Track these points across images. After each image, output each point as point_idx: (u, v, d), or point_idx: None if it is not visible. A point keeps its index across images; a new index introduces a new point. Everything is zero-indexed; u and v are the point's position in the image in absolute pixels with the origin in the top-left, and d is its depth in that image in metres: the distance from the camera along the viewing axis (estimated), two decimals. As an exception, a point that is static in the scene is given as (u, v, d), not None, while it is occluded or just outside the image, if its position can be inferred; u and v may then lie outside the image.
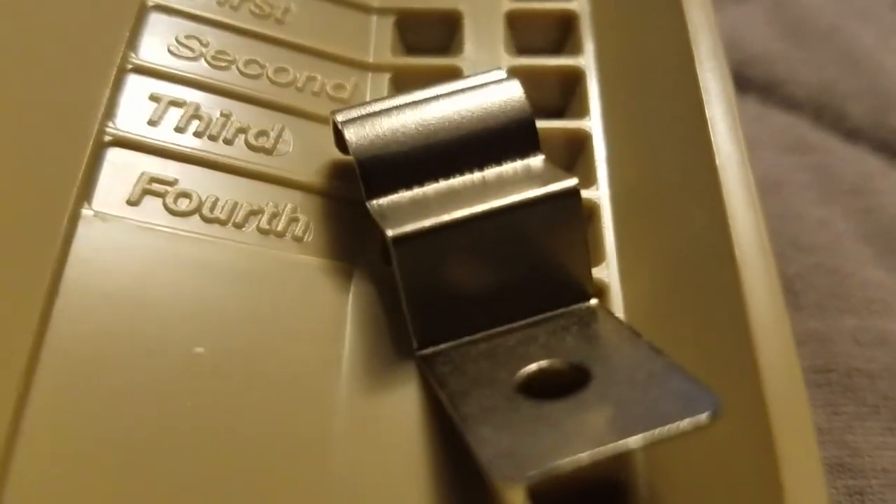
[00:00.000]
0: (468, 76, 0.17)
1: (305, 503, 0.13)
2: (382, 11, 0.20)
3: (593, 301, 0.15)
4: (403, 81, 0.19)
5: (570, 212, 0.15)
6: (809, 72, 0.25)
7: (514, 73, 0.18)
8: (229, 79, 0.18)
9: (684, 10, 0.18)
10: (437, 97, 0.16)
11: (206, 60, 0.18)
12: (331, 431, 0.14)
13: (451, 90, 0.16)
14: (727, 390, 0.13)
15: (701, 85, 0.16)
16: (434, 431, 0.14)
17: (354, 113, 0.16)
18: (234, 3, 0.19)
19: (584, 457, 0.12)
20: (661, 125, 0.18)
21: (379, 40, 0.20)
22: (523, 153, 0.16)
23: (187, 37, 0.18)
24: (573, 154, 0.18)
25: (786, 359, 0.13)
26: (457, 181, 0.16)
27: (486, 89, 0.16)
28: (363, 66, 0.19)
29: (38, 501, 0.12)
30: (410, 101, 0.16)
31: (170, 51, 0.18)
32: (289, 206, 0.16)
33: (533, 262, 0.15)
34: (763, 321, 0.13)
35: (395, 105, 0.16)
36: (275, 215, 0.16)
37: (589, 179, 0.18)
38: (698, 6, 0.18)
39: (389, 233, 0.14)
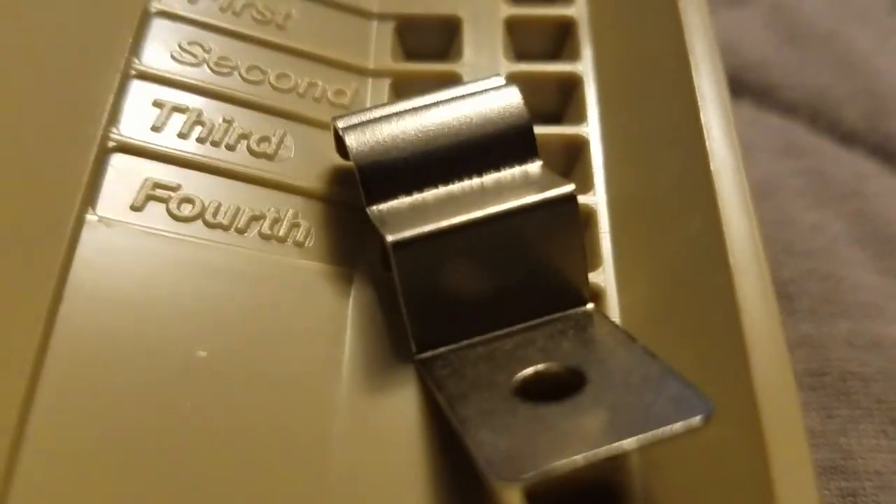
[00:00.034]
0: (467, 82, 0.17)
1: (307, 502, 0.13)
2: (382, 17, 0.20)
3: (590, 305, 0.15)
4: (403, 87, 0.19)
5: (567, 217, 0.15)
6: (805, 76, 0.25)
7: (512, 78, 0.18)
8: (231, 85, 0.18)
9: (680, 17, 0.18)
10: (436, 103, 0.16)
11: (208, 66, 0.18)
12: (331, 433, 0.14)
13: (450, 97, 0.16)
14: (720, 394, 0.13)
15: (696, 91, 0.17)
16: (433, 434, 0.14)
17: (355, 119, 0.16)
18: (237, 9, 0.19)
19: (579, 459, 0.12)
20: (658, 131, 0.18)
21: (379, 46, 0.20)
22: (521, 159, 0.16)
23: (190, 43, 0.18)
24: (571, 159, 0.19)
25: (778, 363, 0.13)
26: (456, 187, 0.16)
27: (485, 96, 0.16)
28: (363, 72, 0.19)
29: (43, 502, 0.12)
30: (410, 107, 0.16)
31: (173, 57, 0.18)
32: (290, 211, 0.16)
33: (530, 266, 0.15)
34: (756, 326, 0.14)
35: (395, 111, 0.16)
36: (276, 221, 0.16)
37: (586, 185, 0.18)
38: (694, 12, 0.18)
39: (389, 238, 0.14)
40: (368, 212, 0.15)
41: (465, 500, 0.13)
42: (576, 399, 0.13)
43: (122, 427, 0.13)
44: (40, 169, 0.15)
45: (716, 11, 0.25)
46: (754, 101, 0.25)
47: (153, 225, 0.15)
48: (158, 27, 0.18)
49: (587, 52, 0.20)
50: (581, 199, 0.16)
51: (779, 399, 0.13)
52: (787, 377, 0.13)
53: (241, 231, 0.16)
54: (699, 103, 0.16)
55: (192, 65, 0.18)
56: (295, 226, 0.16)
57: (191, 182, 0.16)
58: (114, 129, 0.16)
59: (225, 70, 0.18)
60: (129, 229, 0.15)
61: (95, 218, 0.15)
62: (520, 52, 0.20)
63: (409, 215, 0.15)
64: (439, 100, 0.16)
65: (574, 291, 0.15)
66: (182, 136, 0.17)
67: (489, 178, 0.16)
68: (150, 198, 0.16)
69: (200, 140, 0.17)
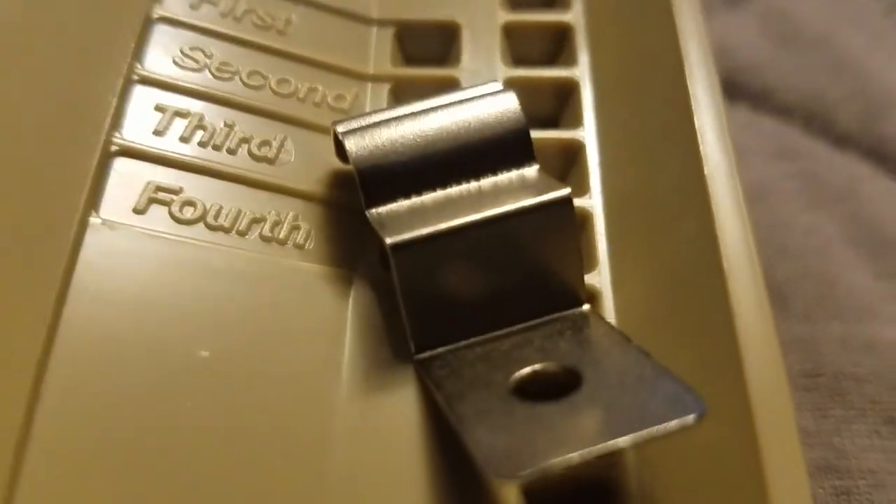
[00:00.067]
0: (465, 87, 0.17)
1: (305, 499, 0.13)
2: (382, 23, 0.20)
3: (586, 306, 0.16)
4: (402, 91, 0.19)
5: (563, 220, 0.15)
6: (800, 79, 0.25)
7: (509, 83, 0.18)
8: (233, 89, 0.18)
9: (675, 23, 0.18)
10: (434, 108, 0.16)
11: (210, 71, 0.18)
12: (331, 432, 0.14)
13: (448, 102, 0.16)
14: (714, 394, 0.13)
15: (691, 96, 0.17)
16: (432, 433, 0.14)
17: (355, 124, 0.16)
18: (237, 14, 0.19)
19: (575, 456, 0.12)
20: (653, 135, 0.18)
21: (378, 51, 0.20)
22: (518, 163, 0.16)
23: (192, 48, 0.18)
24: (567, 163, 0.19)
25: (771, 363, 0.13)
26: (453, 190, 0.16)
27: (483, 101, 0.16)
28: (363, 77, 0.19)
29: (48, 500, 0.13)
30: (409, 112, 0.16)
31: (175, 62, 0.18)
32: (290, 214, 0.16)
33: (527, 268, 0.15)
34: (749, 327, 0.14)
35: (394, 116, 0.16)
36: (277, 223, 0.16)
37: (582, 188, 0.18)
38: (689, 18, 0.18)
39: (388, 240, 0.15)
40: (368, 215, 0.16)
41: (463, 498, 0.14)
42: (572, 398, 0.13)
43: (124, 427, 0.13)
44: (44, 172, 0.15)
45: (711, 16, 0.25)
46: (749, 104, 0.25)
47: (155, 227, 0.15)
48: (160, 33, 0.18)
49: (583, 57, 0.20)
50: (577, 202, 0.17)
51: (772, 399, 0.13)
52: (780, 378, 0.13)
53: (242, 233, 0.16)
54: (693, 108, 0.17)
55: (193, 70, 0.18)
56: (295, 228, 0.16)
57: (192, 185, 0.16)
58: (116, 134, 0.16)
59: (226, 75, 0.18)
60: (132, 232, 0.15)
61: (99, 221, 0.15)
62: (517, 57, 0.20)
63: (408, 218, 0.15)
64: (438, 104, 0.16)
65: (570, 293, 0.15)
66: (184, 140, 0.17)
67: (487, 181, 0.16)
68: (152, 201, 0.16)
69: (202, 144, 0.17)
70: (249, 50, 0.19)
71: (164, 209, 0.16)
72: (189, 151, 0.17)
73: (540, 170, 0.16)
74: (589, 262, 0.17)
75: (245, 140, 0.17)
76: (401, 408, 0.14)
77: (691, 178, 0.16)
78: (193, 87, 0.18)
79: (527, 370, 0.14)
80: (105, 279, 0.15)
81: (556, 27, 0.21)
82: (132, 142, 0.16)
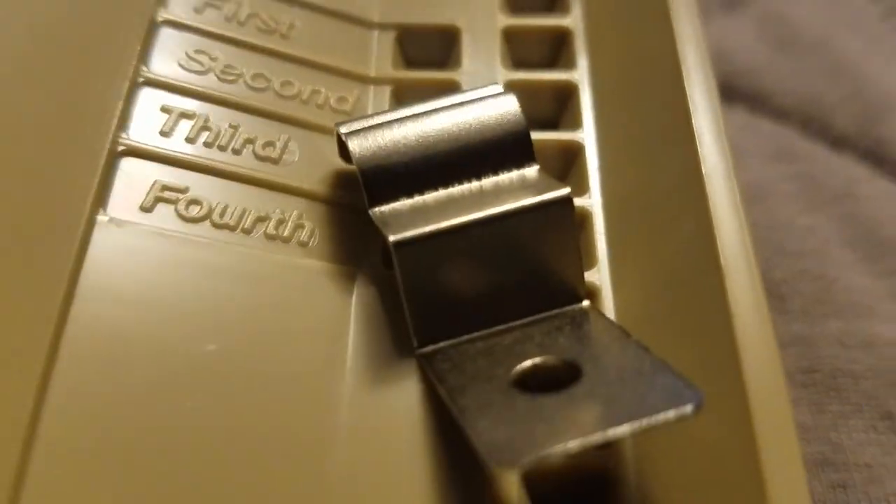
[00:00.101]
0: (466, 90, 0.17)
1: (310, 492, 0.13)
2: (383, 27, 0.20)
3: (585, 303, 0.16)
4: (404, 94, 0.19)
5: (562, 219, 0.15)
6: (797, 82, 0.25)
7: (510, 86, 0.18)
8: (237, 92, 0.18)
9: (673, 27, 0.18)
10: (436, 110, 0.17)
11: (214, 74, 0.18)
12: (336, 425, 0.14)
13: (449, 103, 0.17)
14: (712, 388, 0.13)
15: (688, 98, 0.17)
16: (434, 425, 0.14)
17: (357, 125, 0.16)
18: (241, 18, 0.19)
19: (573, 444, 0.12)
20: (651, 137, 0.18)
21: (380, 55, 0.20)
22: (519, 163, 0.16)
23: (196, 51, 0.18)
24: (567, 164, 0.19)
25: (768, 359, 0.14)
26: (455, 190, 0.16)
27: (484, 103, 0.17)
28: (365, 80, 0.19)
29: (55, 492, 0.13)
30: (411, 113, 0.17)
31: (180, 65, 0.18)
32: (294, 213, 0.17)
33: (528, 265, 0.15)
34: (747, 324, 0.14)
35: (396, 117, 0.16)
36: (281, 222, 0.16)
37: (581, 188, 0.18)
38: (687, 23, 0.18)
39: (391, 238, 0.15)
40: (371, 213, 0.16)
41: (466, 489, 0.14)
42: (572, 390, 0.13)
43: (129, 424, 0.14)
44: (53, 172, 0.16)
45: (709, 20, 0.25)
46: (747, 107, 0.25)
47: (162, 225, 0.16)
48: (165, 36, 0.18)
49: (582, 61, 0.20)
50: (576, 201, 0.17)
51: (769, 396, 0.13)
52: (777, 375, 0.13)
53: (247, 231, 0.16)
54: (691, 110, 0.17)
55: (198, 72, 0.18)
56: (299, 227, 0.16)
57: (198, 184, 0.16)
58: (123, 134, 0.17)
59: (231, 77, 0.18)
60: (139, 229, 0.15)
61: (106, 219, 0.15)
62: (517, 60, 0.21)
63: (410, 216, 0.15)
64: (439, 106, 0.17)
65: (570, 289, 0.16)
66: (189, 140, 0.17)
67: (488, 181, 0.16)
68: (158, 199, 0.16)
69: (207, 144, 0.17)
70: (253, 53, 0.19)
71: (171, 207, 0.16)
72: (195, 151, 0.17)
73: (540, 170, 0.16)
74: (588, 260, 0.17)
75: (250, 141, 0.17)
76: (404, 401, 0.15)
77: (689, 178, 0.16)
78: (199, 89, 0.18)
79: (527, 364, 0.14)
80: (112, 275, 0.15)
81: (555, 31, 0.21)
82: (139, 142, 0.17)
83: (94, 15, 0.18)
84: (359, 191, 0.16)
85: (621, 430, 0.12)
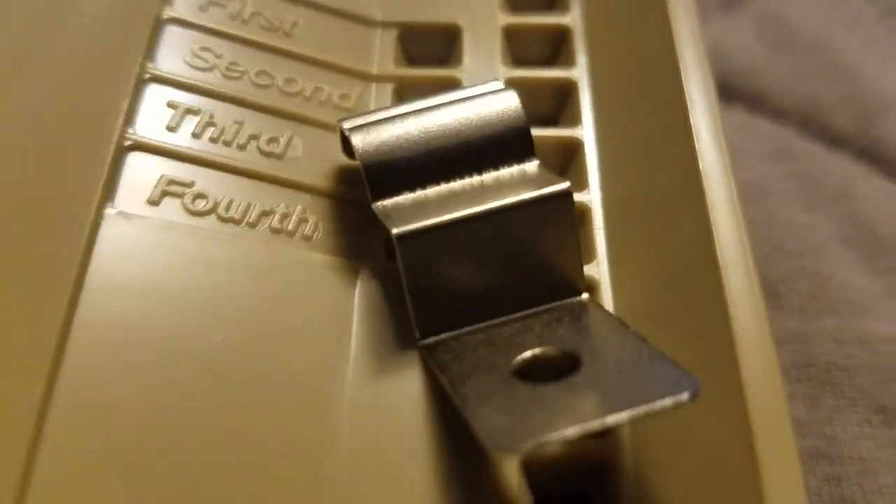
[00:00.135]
0: (467, 87, 0.17)
1: (315, 479, 0.14)
2: (386, 25, 0.21)
3: (584, 295, 0.16)
4: (405, 91, 0.19)
5: (562, 213, 0.16)
6: (795, 82, 0.25)
7: (510, 83, 0.18)
8: (242, 88, 0.18)
9: (671, 26, 0.18)
10: (438, 106, 0.17)
11: (219, 71, 0.18)
12: (340, 414, 0.14)
13: (451, 99, 0.17)
14: (710, 384, 0.13)
15: (686, 97, 0.17)
16: (436, 414, 0.14)
17: (360, 121, 0.17)
18: (245, 17, 0.19)
19: (572, 430, 0.12)
20: (650, 134, 0.18)
21: (382, 52, 0.20)
22: (519, 159, 0.16)
23: (202, 49, 0.19)
24: (566, 160, 0.19)
25: (764, 355, 0.14)
26: (456, 184, 0.16)
27: (485, 99, 0.17)
28: (367, 77, 0.20)
29: (60, 496, 0.13)
30: (413, 109, 0.17)
31: (185, 62, 0.18)
32: (299, 207, 0.17)
33: (528, 258, 0.15)
34: (744, 321, 0.14)
35: (398, 113, 0.17)
36: (286, 216, 0.17)
37: (581, 184, 0.18)
38: (685, 22, 0.18)
39: (394, 231, 0.15)
40: (374, 207, 0.16)
41: (467, 475, 0.14)
42: (571, 380, 0.14)
43: (135, 419, 0.14)
44: (61, 167, 0.16)
45: (707, 20, 0.25)
46: (745, 106, 0.25)
47: (169, 219, 0.16)
48: (170, 34, 0.19)
49: (582, 59, 0.20)
50: (576, 196, 0.17)
51: (765, 389, 0.13)
52: (773, 372, 0.14)
53: (252, 225, 0.16)
54: (689, 108, 0.17)
55: (203, 69, 0.18)
56: (303, 221, 0.17)
57: (204, 179, 0.17)
58: (130, 130, 0.17)
59: (235, 74, 0.18)
60: (146, 223, 0.16)
61: (114, 212, 0.16)
62: (517, 58, 0.21)
63: (413, 210, 0.16)
64: (441, 102, 0.17)
65: (570, 282, 0.16)
66: (195, 135, 0.17)
67: (489, 176, 0.16)
68: (165, 193, 0.16)
69: (213, 140, 0.17)
70: (257, 51, 0.19)
71: (177, 201, 0.16)
72: (200, 146, 0.17)
73: (540, 165, 0.16)
74: (587, 254, 0.17)
75: (254, 136, 0.18)
76: (406, 390, 0.15)
77: (687, 177, 0.16)
78: (204, 85, 0.18)
79: (527, 354, 0.14)
80: (120, 267, 0.15)
81: (555, 29, 0.21)
82: (146, 137, 0.17)
83: (102, 13, 0.18)
84: (362, 186, 0.16)
85: (619, 417, 0.12)
